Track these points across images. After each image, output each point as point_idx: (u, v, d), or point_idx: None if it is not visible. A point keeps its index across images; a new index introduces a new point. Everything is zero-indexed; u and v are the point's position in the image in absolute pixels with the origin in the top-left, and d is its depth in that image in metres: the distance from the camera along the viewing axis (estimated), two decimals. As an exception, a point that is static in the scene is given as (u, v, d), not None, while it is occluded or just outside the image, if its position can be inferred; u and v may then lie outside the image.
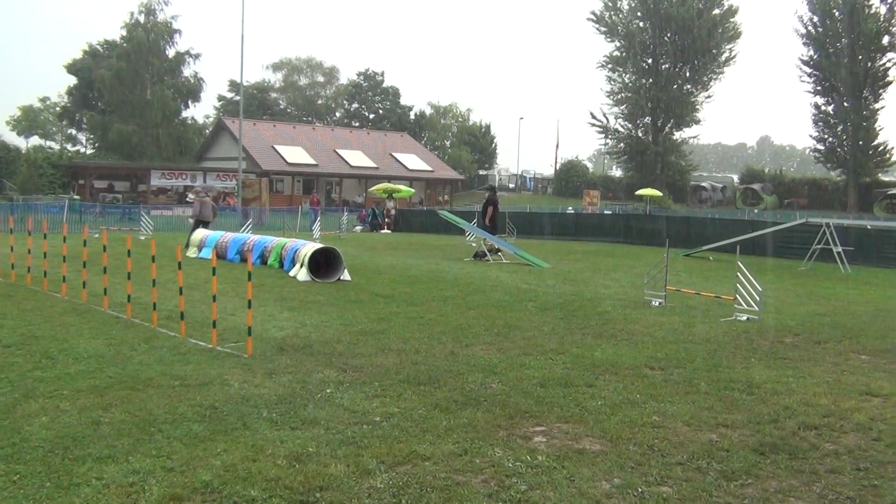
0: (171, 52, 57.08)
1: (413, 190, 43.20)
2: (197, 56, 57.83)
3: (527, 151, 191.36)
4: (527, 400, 5.54)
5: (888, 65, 53.18)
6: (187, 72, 58.09)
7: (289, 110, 79.54)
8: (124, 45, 54.43)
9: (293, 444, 4.48)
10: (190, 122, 61.14)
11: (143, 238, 20.59)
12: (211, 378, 5.95)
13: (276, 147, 50.56)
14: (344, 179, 53.70)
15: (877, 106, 54.38)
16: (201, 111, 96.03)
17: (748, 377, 6.40)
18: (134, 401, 5.30)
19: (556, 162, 77.20)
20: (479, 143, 77.92)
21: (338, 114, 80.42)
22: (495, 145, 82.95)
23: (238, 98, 44.54)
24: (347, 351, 7.09)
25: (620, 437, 4.75)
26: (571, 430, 4.89)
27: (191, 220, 19.92)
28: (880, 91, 54.03)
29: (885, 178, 59.09)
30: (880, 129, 54.77)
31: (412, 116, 76.32)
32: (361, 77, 75.89)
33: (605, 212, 39.76)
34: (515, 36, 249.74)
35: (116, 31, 55.07)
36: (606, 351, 7.37)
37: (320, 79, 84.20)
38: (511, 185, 76.37)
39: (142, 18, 55.13)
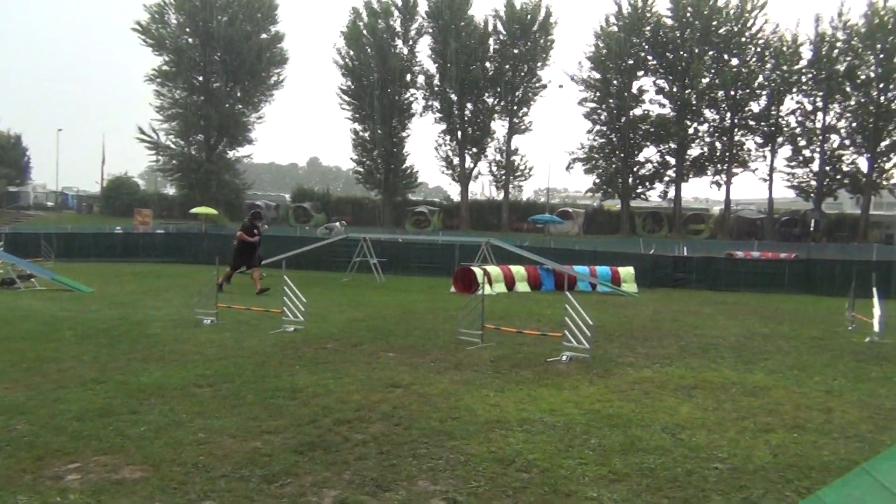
0: None
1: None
2: None
3: (68, 167, 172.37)
4: (60, 437, 5.07)
5: (411, 98, 61.49)
6: None
7: None
8: None
9: None
10: None
11: None
12: None
13: None
14: None
15: (404, 134, 62.33)
16: None
17: (293, 383, 6.80)
18: None
19: (102, 178, 71.45)
20: (8, 156, 68.56)
21: None
22: (29, 158, 74.09)
23: None
24: None
25: (164, 459, 4.65)
26: (110, 462, 4.62)
27: None
28: (406, 121, 62.01)
29: (413, 198, 67.77)
30: (407, 155, 62.94)
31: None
32: None
33: (158, 231, 38.11)
34: (48, 39, 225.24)
35: None
36: (154, 374, 7.12)
37: None
38: (49, 204, 68.42)
39: None
